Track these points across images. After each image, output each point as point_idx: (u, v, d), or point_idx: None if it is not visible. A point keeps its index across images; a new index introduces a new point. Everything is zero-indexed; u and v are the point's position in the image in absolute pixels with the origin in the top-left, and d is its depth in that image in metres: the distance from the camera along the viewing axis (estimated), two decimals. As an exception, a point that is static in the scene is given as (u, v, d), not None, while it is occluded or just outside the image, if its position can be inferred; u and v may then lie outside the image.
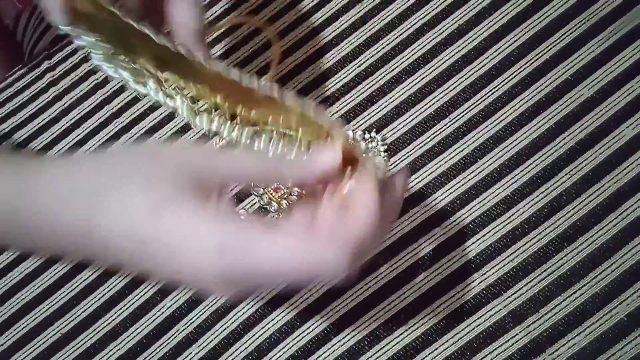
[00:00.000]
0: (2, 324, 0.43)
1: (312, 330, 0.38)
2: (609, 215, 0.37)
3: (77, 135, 0.48)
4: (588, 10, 0.42)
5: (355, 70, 0.44)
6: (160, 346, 0.40)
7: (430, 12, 0.44)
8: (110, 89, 0.49)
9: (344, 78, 0.44)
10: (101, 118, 0.48)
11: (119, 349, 0.41)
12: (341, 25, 0.45)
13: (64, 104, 0.50)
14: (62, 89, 0.50)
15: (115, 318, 0.41)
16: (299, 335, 0.39)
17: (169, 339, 0.40)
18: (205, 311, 0.40)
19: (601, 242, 0.37)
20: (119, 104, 0.48)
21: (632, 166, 0.38)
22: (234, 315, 0.40)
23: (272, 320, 0.39)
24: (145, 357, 0.40)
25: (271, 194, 0.41)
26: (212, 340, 0.40)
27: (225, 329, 0.40)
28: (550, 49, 0.42)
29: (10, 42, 0.65)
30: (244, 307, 0.40)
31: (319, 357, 0.38)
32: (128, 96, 0.48)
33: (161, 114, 0.47)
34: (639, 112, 0.39)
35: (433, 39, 0.43)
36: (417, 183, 0.40)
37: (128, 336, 0.41)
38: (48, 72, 0.52)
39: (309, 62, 0.45)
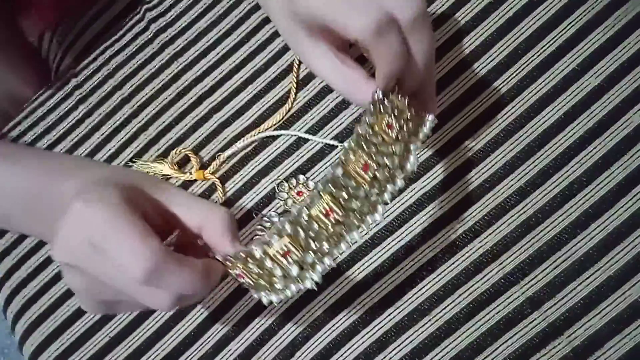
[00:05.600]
0: (55, 330, 0.46)
1: (342, 324, 0.41)
2: (620, 201, 0.39)
3: (109, 150, 0.51)
4: (593, -2, 0.43)
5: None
6: (201, 344, 0.43)
7: (441, 8, 0.45)
8: (136, 102, 0.51)
9: (357, 81, 0.46)
10: (129, 132, 0.51)
11: (164, 349, 0.44)
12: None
13: (94, 120, 0.52)
14: (90, 106, 0.53)
15: (158, 320, 0.45)
16: (329, 330, 0.41)
17: (209, 337, 0.43)
18: (240, 311, 0.43)
19: (613, 227, 0.38)
20: (145, 117, 0.51)
21: (640, 151, 0.39)
22: (268, 313, 0.43)
23: (303, 316, 0.42)
24: (188, 356, 0.43)
25: (295, 198, 0.43)
26: (249, 337, 0.42)
27: (260, 325, 0.42)
28: (557, 39, 0.43)
29: (36, 59, 0.68)
30: (276, 307, 0.43)
31: (349, 348, 0.41)
32: (154, 109, 0.51)
33: (185, 125, 0.49)
34: (646, 97, 0.40)
35: (441, 36, 0.45)
36: (431, 180, 0.42)
37: (171, 336, 0.44)
38: (76, 90, 0.54)
39: (323, 66, 0.47)
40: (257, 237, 0.32)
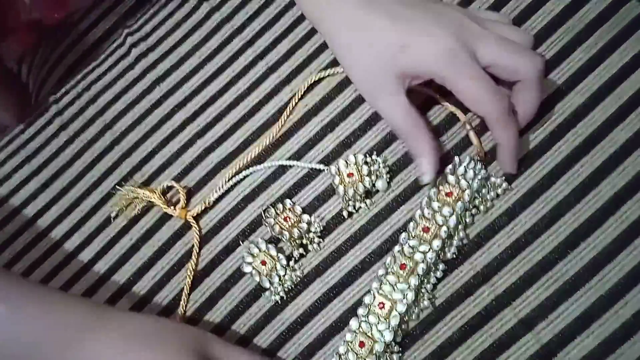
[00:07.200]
0: None
1: (330, 351, 0.40)
2: (609, 219, 0.39)
3: (92, 178, 0.50)
4: (574, 17, 0.43)
5: (352, 94, 0.45)
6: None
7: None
8: (119, 129, 0.51)
9: (342, 103, 0.45)
10: (112, 159, 0.50)
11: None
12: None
13: (76, 147, 0.52)
14: (72, 133, 0.52)
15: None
16: (320, 356, 0.40)
17: None
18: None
19: (603, 246, 0.38)
20: (127, 143, 0.50)
21: (627, 169, 0.39)
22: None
23: (291, 346, 0.41)
24: None
25: (282, 224, 0.42)
26: None
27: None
28: (540, 58, 0.43)
29: (16, 84, 0.67)
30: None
31: (341, 377, 0.40)
32: (136, 136, 0.50)
33: (169, 151, 0.48)
34: (630, 115, 0.40)
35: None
36: (417, 204, 0.42)
37: None
38: (57, 117, 0.54)
39: (307, 89, 0.46)
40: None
